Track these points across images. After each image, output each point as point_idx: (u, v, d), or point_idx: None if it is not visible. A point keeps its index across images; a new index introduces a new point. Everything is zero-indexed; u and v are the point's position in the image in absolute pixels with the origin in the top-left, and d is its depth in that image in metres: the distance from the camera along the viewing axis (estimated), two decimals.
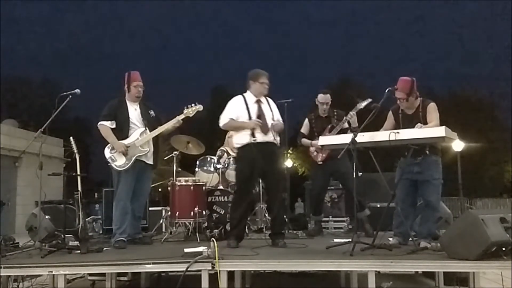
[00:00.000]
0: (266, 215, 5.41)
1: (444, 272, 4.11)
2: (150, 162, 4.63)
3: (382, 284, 3.75)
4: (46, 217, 4.69)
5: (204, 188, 5.17)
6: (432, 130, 3.73)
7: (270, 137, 4.31)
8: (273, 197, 4.38)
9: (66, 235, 4.24)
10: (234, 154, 5.22)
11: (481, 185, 25.32)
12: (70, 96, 4.35)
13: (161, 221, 5.56)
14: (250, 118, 4.30)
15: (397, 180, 4.12)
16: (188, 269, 3.31)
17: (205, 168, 5.81)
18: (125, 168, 4.42)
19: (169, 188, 5.19)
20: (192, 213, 4.87)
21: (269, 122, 4.34)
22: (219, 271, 3.28)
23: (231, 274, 3.53)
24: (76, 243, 4.17)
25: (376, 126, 4.10)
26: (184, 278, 3.37)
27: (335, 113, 5.20)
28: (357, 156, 3.84)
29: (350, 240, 3.69)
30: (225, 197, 5.26)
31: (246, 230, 5.25)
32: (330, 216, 6.05)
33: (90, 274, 4.48)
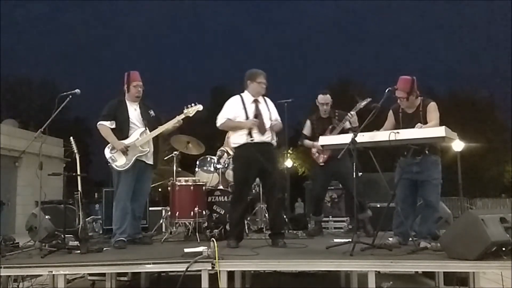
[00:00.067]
0: (266, 215, 5.41)
1: (444, 272, 4.11)
2: (150, 162, 4.63)
3: (382, 284, 3.75)
4: (46, 217, 4.70)
5: (204, 188, 5.17)
6: (432, 130, 3.73)
7: (267, 137, 4.32)
8: (271, 197, 4.37)
9: (66, 235, 4.24)
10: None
11: (481, 185, 25.34)
12: (70, 96, 4.35)
13: (161, 221, 5.56)
14: (247, 118, 4.30)
15: (397, 180, 4.12)
16: (188, 269, 3.31)
17: (205, 168, 5.81)
18: (125, 168, 4.42)
19: (169, 188, 5.19)
20: (192, 213, 4.87)
21: (267, 122, 4.34)
22: (219, 271, 3.27)
23: (231, 274, 3.53)
24: (76, 243, 4.18)
25: (376, 126, 4.10)
26: (184, 278, 3.37)
27: (336, 114, 5.19)
28: (357, 156, 3.84)
29: (350, 240, 3.69)
30: (225, 197, 5.26)
31: (246, 230, 5.26)
32: (330, 216, 6.04)
33: (90, 274, 4.49)
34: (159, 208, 6.01)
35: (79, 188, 4.39)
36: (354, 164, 3.86)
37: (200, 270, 3.34)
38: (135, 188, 4.53)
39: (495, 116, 27.76)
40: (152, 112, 4.73)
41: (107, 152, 4.47)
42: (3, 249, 4.01)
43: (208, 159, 5.84)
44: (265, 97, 4.50)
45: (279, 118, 4.52)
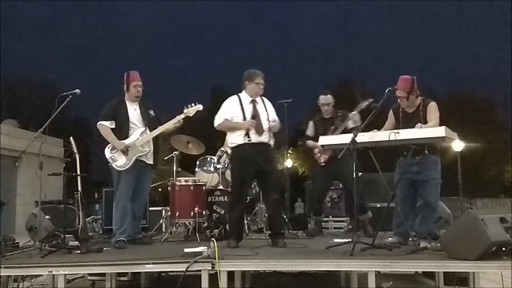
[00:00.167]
0: (266, 215, 5.41)
1: (444, 272, 4.11)
2: (150, 162, 4.63)
3: (382, 284, 3.75)
4: (46, 217, 4.69)
5: (204, 188, 5.17)
6: (432, 130, 3.73)
7: (265, 138, 4.32)
8: (269, 198, 4.37)
9: (66, 235, 4.24)
10: None
11: (481, 185, 25.32)
12: (70, 96, 4.35)
13: (161, 221, 5.57)
14: (244, 118, 4.30)
15: (396, 180, 4.12)
16: (188, 269, 3.31)
17: (205, 168, 5.81)
18: (125, 168, 4.42)
19: (169, 188, 5.19)
20: (192, 213, 4.87)
21: (264, 122, 4.34)
22: (219, 271, 3.27)
23: (231, 274, 3.53)
24: (76, 243, 4.17)
25: (376, 126, 4.11)
26: (184, 278, 3.37)
27: (339, 114, 5.18)
28: (357, 156, 3.83)
29: (350, 240, 3.69)
30: (225, 197, 5.25)
31: (246, 230, 5.26)
32: (330, 216, 6.04)
33: (90, 274, 4.49)
34: (159, 208, 6.01)
35: (79, 188, 4.39)
36: (354, 164, 3.86)
37: (200, 270, 3.34)
38: (135, 188, 4.53)
39: (495, 116, 27.76)
40: (152, 112, 4.73)
41: (107, 152, 4.47)
42: (3, 249, 4.00)
43: (208, 159, 5.84)
44: (263, 98, 4.50)
45: (277, 119, 4.52)
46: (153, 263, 3.43)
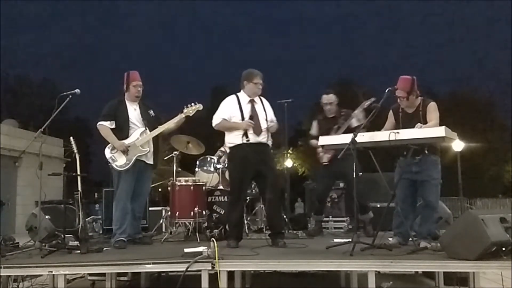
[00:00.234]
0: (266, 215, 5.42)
1: (444, 272, 4.11)
2: (150, 162, 4.63)
3: (382, 284, 3.75)
4: (46, 217, 4.69)
5: (204, 188, 5.17)
6: (432, 130, 3.73)
7: (263, 138, 4.32)
8: (268, 198, 4.37)
9: (66, 235, 4.24)
10: None
11: (481, 185, 25.30)
12: (70, 96, 4.35)
13: (161, 221, 5.57)
14: (243, 118, 4.30)
15: (396, 180, 4.12)
16: (188, 269, 3.31)
17: (205, 168, 5.82)
18: (125, 168, 4.42)
19: (169, 188, 5.19)
20: (192, 213, 4.87)
21: (263, 122, 4.34)
22: (219, 271, 3.27)
23: (231, 274, 3.53)
24: (76, 243, 4.17)
25: (376, 126, 4.10)
26: (184, 278, 3.37)
27: (342, 113, 5.17)
28: (358, 156, 3.83)
29: (350, 240, 3.69)
30: (225, 197, 5.26)
31: (246, 230, 5.26)
32: (330, 216, 6.04)
33: (90, 274, 4.49)
34: (159, 208, 6.01)
35: (79, 188, 4.39)
36: (354, 164, 3.85)
37: (200, 270, 3.34)
38: (135, 188, 4.52)
39: (495, 116, 27.75)
40: (151, 112, 4.73)
41: (107, 152, 4.47)
42: (3, 249, 4.00)
43: (208, 159, 5.84)
44: (261, 98, 4.50)
45: (275, 119, 4.52)
46: (153, 263, 3.43)
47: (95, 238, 5.18)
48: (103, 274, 4.21)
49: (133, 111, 4.61)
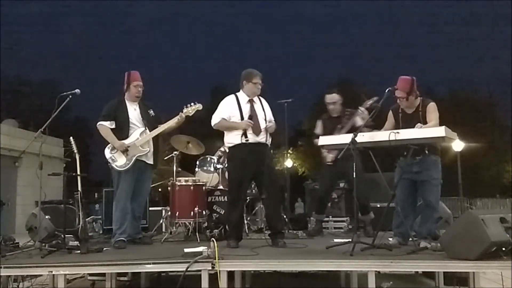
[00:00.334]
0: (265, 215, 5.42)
1: (444, 272, 4.11)
2: (150, 162, 4.63)
3: (382, 284, 3.75)
4: (46, 217, 4.70)
5: (204, 188, 5.17)
6: (432, 130, 3.73)
7: (262, 138, 4.32)
8: (267, 198, 4.36)
9: (66, 235, 4.24)
10: None
11: (481, 185, 25.30)
12: (70, 96, 4.35)
13: (161, 221, 5.57)
14: (242, 118, 4.30)
15: (396, 180, 4.12)
16: (188, 269, 3.31)
17: (205, 168, 5.82)
18: (125, 168, 4.42)
19: (169, 188, 5.19)
20: (192, 213, 4.87)
21: (262, 122, 4.34)
22: (219, 271, 3.28)
23: (231, 274, 3.53)
24: (76, 243, 4.18)
25: (376, 126, 4.10)
26: (184, 278, 3.37)
27: (347, 113, 5.17)
28: (360, 156, 3.83)
29: (350, 240, 3.69)
30: (225, 197, 5.25)
31: (246, 230, 5.26)
32: (330, 216, 6.04)
33: (90, 274, 4.49)
34: (159, 208, 6.01)
35: (79, 188, 4.40)
36: (354, 164, 3.85)
37: (200, 270, 3.34)
38: (135, 188, 4.53)
39: (495, 116, 27.74)
40: (151, 112, 4.73)
41: (107, 152, 4.47)
42: (3, 249, 4.01)
43: (208, 159, 5.84)
44: (260, 98, 4.51)
45: (273, 119, 4.52)
46: (153, 263, 3.43)
47: (95, 238, 5.18)
48: (103, 274, 4.21)
49: (133, 111, 4.61)
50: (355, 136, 3.79)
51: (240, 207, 4.35)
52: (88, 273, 4.52)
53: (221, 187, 5.48)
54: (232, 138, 4.34)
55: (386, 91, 3.97)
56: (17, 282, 4.05)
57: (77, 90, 4.37)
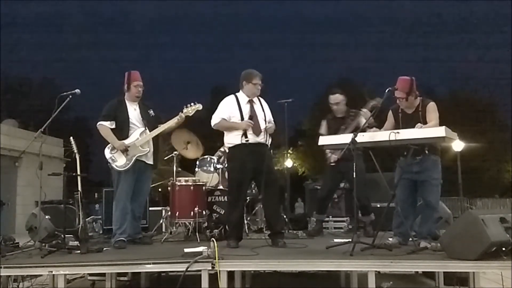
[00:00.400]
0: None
1: (444, 272, 4.12)
2: (150, 162, 4.63)
3: (382, 284, 3.75)
4: (46, 217, 4.70)
5: (204, 188, 5.17)
6: (432, 130, 3.74)
7: (262, 138, 4.32)
8: (267, 198, 4.36)
9: (66, 235, 4.24)
10: None
11: (481, 185, 25.31)
12: (70, 96, 4.36)
13: (161, 221, 5.57)
14: (242, 118, 4.30)
15: (396, 180, 4.12)
16: (188, 269, 3.31)
17: (205, 168, 5.81)
18: (125, 168, 4.42)
19: (169, 188, 5.19)
20: (192, 213, 4.87)
21: (262, 122, 4.34)
22: (219, 271, 3.28)
23: (231, 274, 3.53)
24: (76, 243, 4.18)
25: (378, 126, 4.10)
26: (184, 278, 3.37)
27: (351, 113, 5.17)
28: (359, 156, 3.83)
29: (350, 240, 3.69)
30: (225, 197, 5.25)
31: (246, 230, 5.26)
32: (330, 216, 6.04)
33: (90, 274, 4.49)
34: (159, 208, 6.01)
35: (79, 188, 4.39)
36: (354, 164, 3.85)
37: (200, 270, 3.34)
38: (135, 188, 4.53)
39: (495, 116, 27.73)
40: (151, 112, 4.73)
41: (107, 152, 4.47)
42: (3, 249, 4.00)
43: (208, 159, 5.84)
44: (260, 98, 4.51)
45: (272, 120, 4.52)
46: (153, 263, 3.43)
47: (95, 238, 5.18)
48: (103, 274, 4.22)
49: (133, 111, 4.61)
50: (355, 136, 3.79)
51: (240, 207, 4.35)
52: (88, 273, 4.52)
53: (221, 187, 5.47)
54: (232, 139, 4.34)
55: (386, 91, 3.98)
56: (17, 282, 4.05)
57: (77, 90, 4.37)
